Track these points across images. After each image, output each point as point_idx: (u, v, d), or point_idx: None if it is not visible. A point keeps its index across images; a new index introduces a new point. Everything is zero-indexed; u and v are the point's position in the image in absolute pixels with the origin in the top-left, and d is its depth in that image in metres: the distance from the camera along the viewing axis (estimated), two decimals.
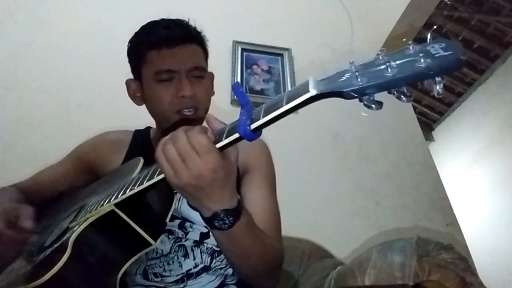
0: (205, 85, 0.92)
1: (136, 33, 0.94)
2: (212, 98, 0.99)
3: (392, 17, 2.09)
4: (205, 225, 0.80)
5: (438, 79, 0.39)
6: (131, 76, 0.97)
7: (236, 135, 0.51)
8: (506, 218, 3.10)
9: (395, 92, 0.42)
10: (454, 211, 1.80)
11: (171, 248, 0.81)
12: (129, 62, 0.95)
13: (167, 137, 0.55)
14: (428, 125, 4.33)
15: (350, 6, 2.39)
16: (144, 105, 0.95)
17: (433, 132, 4.33)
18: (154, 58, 0.87)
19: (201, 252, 0.81)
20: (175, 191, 0.66)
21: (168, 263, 0.80)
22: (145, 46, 0.89)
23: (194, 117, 0.88)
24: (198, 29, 0.95)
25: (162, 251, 0.81)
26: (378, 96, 0.42)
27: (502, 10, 3.20)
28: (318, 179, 1.73)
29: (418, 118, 2.16)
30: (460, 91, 3.86)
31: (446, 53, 0.39)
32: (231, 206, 0.59)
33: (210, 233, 0.82)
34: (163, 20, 0.92)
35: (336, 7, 2.41)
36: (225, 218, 0.58)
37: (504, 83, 3.37)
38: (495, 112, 3.41)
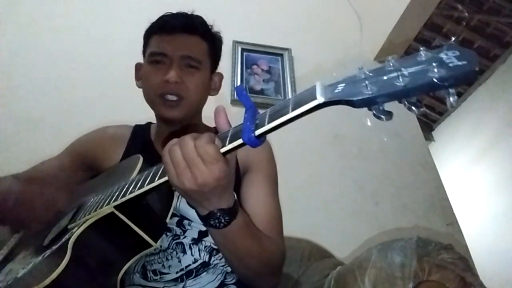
0: (197, 78, 0.90)
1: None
2: (212, 98, 0.99)
3: (392, 17, 2.09)
4: None
5: (451, 90, 0.37)
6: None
7: (240, 141, 0.49)
8: (506, 218, 3.10)
9: (406, 102, 0.40)
10: (454, 211, 1.79)
11: (169, 245, 0.81)
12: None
13: (175, 139, 0.54)
14: (428, 125, 4.32)
15: (350, 6, 2.39)
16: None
17: (433, 132, 4.32)
18: (154, 42, 0.91)
19: (199, 250, 0.81)
20: (174, 188, 0.66)
21: (167, 259, 0.79)
22: (150, 31, 0.94)
23: (176, 104, 0.87)
24: (210, 24, 0.96)
25: (160, 246, 0.80)
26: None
27: (502, 10, 3.20)
28: (318, 179, 1.73)
29: (418, 118, 2.15)
30: (460, 91, 3.86)
31: (460, 63, 0.36)
32: (228, 206, 0.59)
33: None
34: (176, 12, 0.95)
35: (336, 7, 2.41)
36: (221, 218, 0.59)
37: (504, 83, 3.37)
38: (495, 112, 3.41)
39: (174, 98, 0.87)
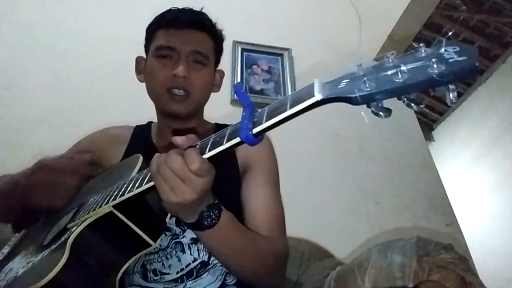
0: (204, 74, 0.90)
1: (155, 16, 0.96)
2: (212, 97, 0.99)
3: (392, 17, 2.09)
4: None
5: (451, 86, 0.36)
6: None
7: (237, 140, 0.49)
8: (506, 218, 3.09)
9: (405, 99, 0.39)
10: (454, 211, 1.79)
11: (168, 244, 0.80)
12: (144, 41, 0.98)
13: (161, 158, 0.54)
14: (428, 125, 4.32)
15: (350, 6, 2.39)
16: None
17: (433, 132, 4.32)
18: (160, 35, 0.90)
19: (198, 250, 0.81)
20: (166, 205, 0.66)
21: (167, 258, 0.79)
22: (156, 25, 0.93)
23: (183, 99, 0.87)
24: (216, 24, 0.97)
25: (160, 245, 0.80)
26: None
27: (502, 10, 3.20)
28: (318, 179, 1.73)
29: (418, 118, 2.15)
30: (460, 91, 3.86)
31: (460, 59, 0.36)
32: (212, 200, 0.61)
33: None
34: (182, 8, 0.95)
35: (336, 7, 2.40)
36: (211, 214, 0.60)
37: (504, 83, 3.36)
38: (495, 112, 3.40)
39: (181, 93, 0.86)
